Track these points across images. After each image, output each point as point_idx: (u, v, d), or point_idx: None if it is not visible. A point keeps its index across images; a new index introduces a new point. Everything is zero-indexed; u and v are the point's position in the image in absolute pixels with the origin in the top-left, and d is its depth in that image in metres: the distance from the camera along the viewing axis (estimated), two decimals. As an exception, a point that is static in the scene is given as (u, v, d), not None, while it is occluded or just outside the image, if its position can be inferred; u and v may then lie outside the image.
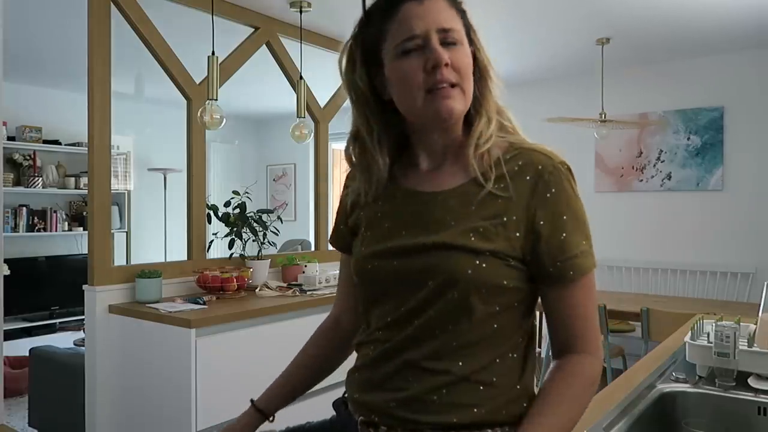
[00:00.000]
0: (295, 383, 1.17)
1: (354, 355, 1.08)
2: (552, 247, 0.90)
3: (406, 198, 1.00)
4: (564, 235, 0.90)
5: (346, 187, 1.11)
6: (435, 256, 0.92)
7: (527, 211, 0.91)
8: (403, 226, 0.98)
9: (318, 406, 1.19)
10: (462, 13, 0.96)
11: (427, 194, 0.98)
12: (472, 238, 0.90)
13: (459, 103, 0.92)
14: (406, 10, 0.92)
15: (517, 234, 0.90)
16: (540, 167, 0.92)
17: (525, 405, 0.94)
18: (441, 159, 0.99)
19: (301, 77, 3.31)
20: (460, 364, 0.91)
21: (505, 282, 0.90)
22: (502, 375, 0.92)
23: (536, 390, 0.99)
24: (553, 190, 0.91)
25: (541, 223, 0.90)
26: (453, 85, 0.91)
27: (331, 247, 3.86)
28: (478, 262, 0.89)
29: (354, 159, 1.04)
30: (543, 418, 0.88)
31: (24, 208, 5.02)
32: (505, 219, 0.91)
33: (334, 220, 1.15)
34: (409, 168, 1.03)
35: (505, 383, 0.93)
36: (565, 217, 0.90)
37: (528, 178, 0.91)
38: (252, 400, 1.15)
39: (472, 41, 0.97)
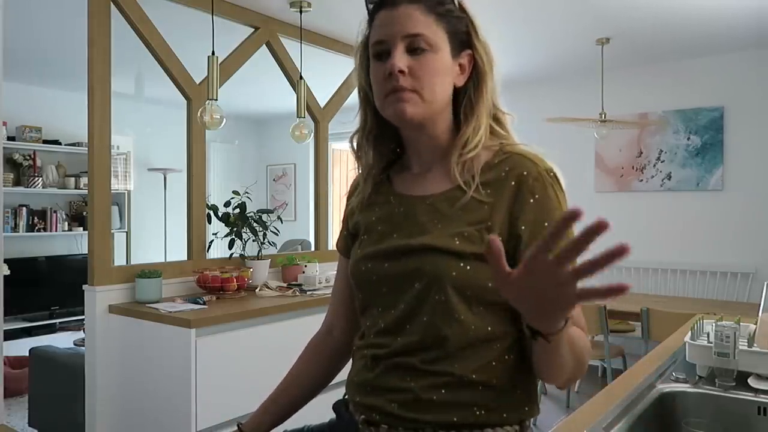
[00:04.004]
0: (285, 404, 1.15)
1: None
2: None
3: (398, 201, 1.02)
4: None
5: (350, 193, 1.12)
6: (421, 258, 0.93)
7: (509, 216, 0.91)
8: (394, 229, 0.99)
9: (317, 408, 1.18)
10: (447, 19, 0.95)
11: (416, 198, 1.00)
12: (457, 242, 0.91)
13: (414, 107, 0.93)
14: (380, 17, 0.95)
15: (501, 238, 0.90)
16: (525, 173, 0.92)
17: (527, 409, 0.94)
18: (430, 163, 1.01)
19: (301, 77, 3.31)
20: (457, 365, 0.91)
21: (490, 284, 0.90)
22: (501, 376, 0.93)
23: (539, 397, 0.98)
24: (537, 196, 0.91)
25: (522, 228, 0.90)
26: (411, 91, 0.92)
27: (331, 247, 3.85)
28: (462, 264, 0.90)
29: (356, 150, 1.07)
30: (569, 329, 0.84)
31: (24, 208, 5.01)
32: (489, 224, 0.91)
33: (341, 226, 1.16)
34: (403, 172, 1.05)
35: (505, 385, 0.93)
36: (546, 224, 0.89)
37: (512, 183, 0.92)
38: (239, 425, 1.13)
39: (469, 46, 0.97)
